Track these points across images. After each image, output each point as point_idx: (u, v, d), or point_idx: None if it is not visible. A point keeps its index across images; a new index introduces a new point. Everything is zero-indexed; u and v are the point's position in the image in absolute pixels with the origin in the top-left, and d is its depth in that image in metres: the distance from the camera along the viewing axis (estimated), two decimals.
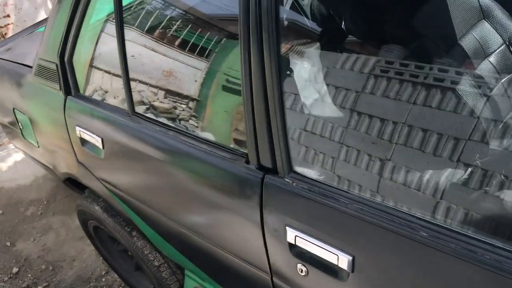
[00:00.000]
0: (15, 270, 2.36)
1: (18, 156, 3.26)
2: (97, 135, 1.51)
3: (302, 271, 1.05)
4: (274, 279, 1.16)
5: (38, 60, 1.77)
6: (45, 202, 2.91)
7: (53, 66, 1.68)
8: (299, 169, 1.02)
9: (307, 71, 1.11)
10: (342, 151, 0.99)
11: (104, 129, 1.50)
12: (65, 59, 1.64)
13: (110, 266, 2.19)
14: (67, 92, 1.67)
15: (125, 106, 1.43)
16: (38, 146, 2.04)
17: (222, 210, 1.18)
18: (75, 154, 1.72)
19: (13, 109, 2.07)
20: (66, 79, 1.65)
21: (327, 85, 1.06)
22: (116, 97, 1.55)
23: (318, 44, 1.17)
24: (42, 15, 4.76)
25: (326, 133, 1.03)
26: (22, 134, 2.15)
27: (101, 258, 2.29)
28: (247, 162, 1.07)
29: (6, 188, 3.04)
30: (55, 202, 2.91)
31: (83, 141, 1.61)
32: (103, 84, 1.63)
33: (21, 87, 1.96)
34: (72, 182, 2.04)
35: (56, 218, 2.77)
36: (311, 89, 1.09)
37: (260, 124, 1.01)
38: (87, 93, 1.64)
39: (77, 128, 1.60)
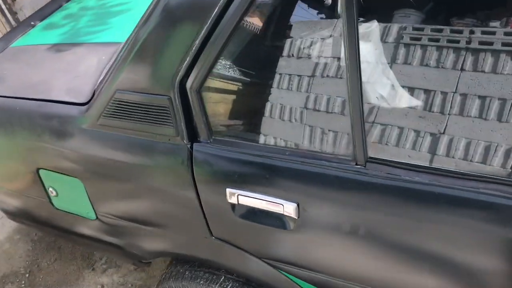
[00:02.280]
0: None
1: None
2: (285, 199, 1.11)
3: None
4: None
5: (111, 93, 1.24)
6: (27, 275, 2.22)
7: (161, 101, 1.16)
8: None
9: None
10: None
11: (305, 189, 1.10)
12: (190, 88, 1.14)
13: None
14: (192, 139, 1.22)
15: (346, 151, 1.08)
16: (96, 218, 1.54)
17: None
18: (208, 226, 1.30)
19: (37, 170, 1.52)
20: (190, 118, 1.18)
21: None
22: (323, 140, 1.18)
23: None
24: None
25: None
26: (52, 204, 1.62)
27: None
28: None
29: None
30: (41, 271, 2.19)
31: (240, 209, 1.20)
32: (277, 123, 1.22)
33: (61, 137, 1.39)
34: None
35: None
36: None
37: None
38: (229, 137, 1.20)
39: (230, 192, 1.16)
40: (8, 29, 3.64)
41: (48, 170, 1.48)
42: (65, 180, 1.46)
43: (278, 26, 1.39)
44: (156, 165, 1.25)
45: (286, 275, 1.26)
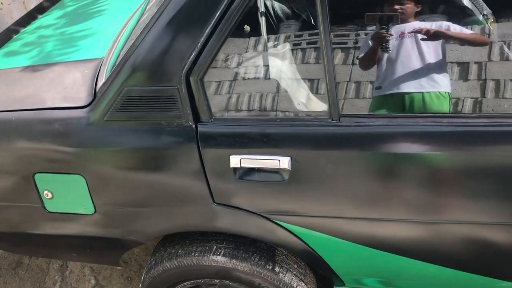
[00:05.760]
0: None
1: None
2: (280, 156, 1.42)
3: None
4: None
5: (119, 90, 1.47)
6: None
7: (170, 91, 1.43)
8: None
9: None
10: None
11: (295, 145, 1.43)
12: (195, 79, 1.42)
13: None
14: (196, 120, 1.47)
15: (322, 111, 1.44)
16: (95, 212, 1.68)
17: None
18: (211, 194, 1.55)
19: (33, 175, 1.63)
20: (194, 104, 1.45)
21: None
22: (300, 104, 1.55)
23: None
24: None
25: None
26: (45, 208, 1.72)
27: None
28: None
29: None
30: None
31: (243, 172, 1.49)
32: (254, 96, 1.55)
33: (63, 138, 1.55)
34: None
35: None
36: None
37: None
38: (227, 115, 1.51)
39: (233, 158, 1.45)
40: None
41: (46, 173, 1.61)
42: (65, 180, 1.61)
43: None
44: (164, 146, 1.50)
45: (282, 225, 1.56)
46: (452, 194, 1.42)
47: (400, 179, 1.43)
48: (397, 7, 1.69)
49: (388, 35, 1.66)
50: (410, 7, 1.73)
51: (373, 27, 1.71)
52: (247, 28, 1.86)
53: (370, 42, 1.78)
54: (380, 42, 1.67)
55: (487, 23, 1.82)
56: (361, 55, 1.80)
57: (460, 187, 1.42)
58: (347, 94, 1.52)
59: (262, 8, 1.87)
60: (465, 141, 1.35)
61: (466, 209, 1.43)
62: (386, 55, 1.71)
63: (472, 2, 1.84)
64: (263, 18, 1.90)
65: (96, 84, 1.58)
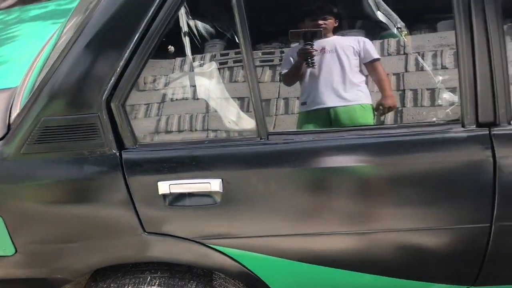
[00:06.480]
0: None
1: None
2: (211, 178, 1.38)
3: None
4: None
5: (36, 121, 1.38)
6: None
7: (90, 119, 1.36)
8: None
9: None
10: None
11: (225, 166, 1.40)
12: (115, 104, 1.35)
13: None
14: (120, 147, 1.40)
15: (250, 130, 1.43)
16: (16, 252, 1.53)
17: None
18: (141, 224, 1.46)
19: None
20: (117, 131, 1.38)
21: None
22: (230, 122, 1.55)
23: None
24: None
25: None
26: None
27: None
28: None
29: None
30: None
31: (173, 198, 1.42)
32: (183, 118, 1.52)
33: None
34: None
35: None
36: None
37: None
38: (153, 140, 1.50)
39: (162, 184, 1.39)
40: None
41: None
42: None
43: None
44: (88, 177, 1.42)
45: (217, 249, 1.51)
46: (380, 203, 1.45)
47: (330, 193, 1.45)
48: (320, 22, 1.75)
49: (314, 50, 1.71)
50: (331, 22, 1.79)
51: (297, 43, 1.75)
52: (171, 48, 1.83)
53: (291, 58, 1.81)
54: (306, 57, 1.71)
55: (402, 36, 1.91)
56: (284, 71, 1.83)
57: (387, 196, 1.46)
58: (277, 111, 1.53)
59: (185, 28, 1.86)
60: (388, 151, 1.39)
61: (395, 217, 1.47)
62: (309, 71, 1.75)
63: (386, 16, 1.93)
64: (187, 38, 1.88)
65: (9, 116, 1.49)
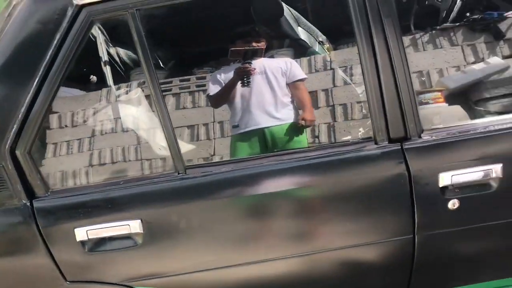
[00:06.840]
0: None
1: None
2: (129, 220, 1.32)
3: None
4: None
5: None
6: None
7: None
8: None
9: None
10: None
11: (144, 205, 1.35)
12: (21, 152, 1.29)
13: None
14: (31, 197, 1.33)
15: (168, 166, 1.37)
16: None
17: None
18: (61, 274, 1.38)
19: None
20: (25, 179, 1.32)
21: None
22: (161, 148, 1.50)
23: None
24: None
25: None
26: None
27: None
28: None
29: None
30: None
31: (92, 244, 1.35)
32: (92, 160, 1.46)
33: None
34: None
35: None
36: None
37: None
38: (66, 185, 1.44)
39: (79, 231, 1.32)
40: None
41: None
42: None
43: None
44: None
45: None
46: (306, 226, 1.43)
47: (252, 221, 1.42)
48: (254, 44, 1.75)
49: (253, 68, 1.70)
50: (263, 44, 1.80)
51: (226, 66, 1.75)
52: (93, 78, 1.77)
53: (220, 79, 1.80)
54: (243, 76, 1.70)
55: (325, 50, 1.93)
56: (212, 93, 1.81)
57: (312, 219, 1.43)
58: (215, 134, 1.51)
59: (105, 57, 1.80)
60: (306, 174, 1.38)
61: (324, 238, 1.45)
62: (239, 93, 1.74)
63: (307, 31, 1.95)
64: (108, 67, 1.82)
65: None
